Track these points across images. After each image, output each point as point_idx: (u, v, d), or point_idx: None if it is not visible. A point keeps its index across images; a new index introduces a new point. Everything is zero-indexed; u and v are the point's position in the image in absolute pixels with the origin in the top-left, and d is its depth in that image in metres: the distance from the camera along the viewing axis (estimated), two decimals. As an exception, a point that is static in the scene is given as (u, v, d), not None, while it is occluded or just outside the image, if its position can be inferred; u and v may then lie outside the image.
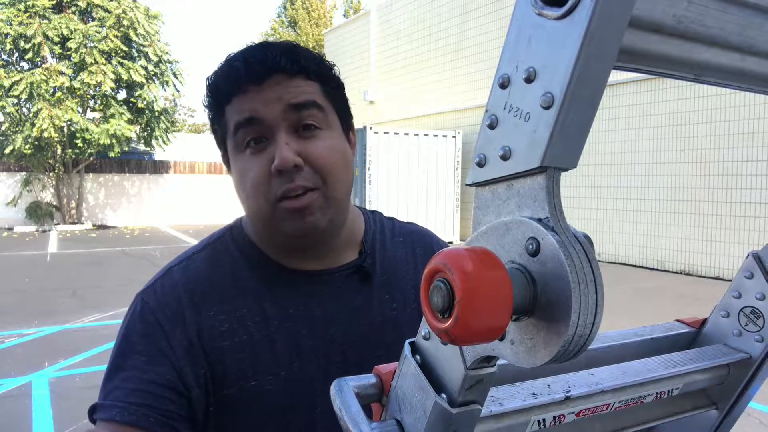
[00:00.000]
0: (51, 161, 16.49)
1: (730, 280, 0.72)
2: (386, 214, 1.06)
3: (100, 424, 0.80)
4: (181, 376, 0.81)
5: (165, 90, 17.06)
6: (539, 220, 0.36)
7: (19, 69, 15.34)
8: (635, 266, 10.35)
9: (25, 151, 15.10)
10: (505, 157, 0.38)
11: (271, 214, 0.83)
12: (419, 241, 1.03)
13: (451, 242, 13.20)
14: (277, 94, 0.82)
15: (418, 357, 0.46)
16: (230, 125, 0.85)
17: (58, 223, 16.87)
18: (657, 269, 10.07)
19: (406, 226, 1.06)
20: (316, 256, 0.91)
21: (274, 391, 0.84)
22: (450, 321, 0.34)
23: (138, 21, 15.68)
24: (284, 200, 0.82)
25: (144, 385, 0.80)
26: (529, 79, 0.36)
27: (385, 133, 12.61)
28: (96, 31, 15.26)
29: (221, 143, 0.90)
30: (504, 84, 0.38)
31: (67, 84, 15.02)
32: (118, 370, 0.82)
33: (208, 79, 0.88)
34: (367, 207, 0.98)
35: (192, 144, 19.84)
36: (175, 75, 17.15)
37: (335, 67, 0.91)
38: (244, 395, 0.83)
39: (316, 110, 0.85)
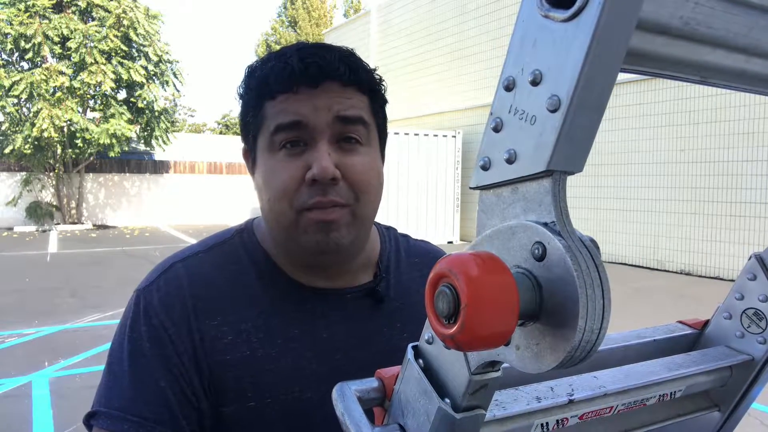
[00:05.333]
0: (51, 161, 16.48)
1: (731, 280, 0.72)
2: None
3: None
4: (191, 386, 0.77)
5: (165, 90, 17.05)
6: (545, 225, 0.36)
7: (19, 69, 15.33)
8: (635, 266, 10.35)
9: (25, 151, 15.09)
10: (510, 161, 0.37)
11: (294, 223, 0.80)
12: (433, 264, 0.99)
13: (451, 242, 13.22)
14: (328, 103, 0.79)
15: (421, 361, 0.46)
16: (269, 123, 0.80)
17: (58, 223, 16.86)
18: (657, 269, 10.07)
19: (422, 246, 1.02)
20: (331, 274, 0.87)
21: (272, 414, 0.80)
22: (456, 327, 0.34)
23: (138, 21, 15.66)
24: (311, 211, 0.78)
25: (157, 396, 0.76)
26: (534, 82, 0.35)
27: (385, 132, 12.58)
28: (96, 31, 15.25)
29: (251, 138, 0.85)
30: (509, 86, 0.37)
31: (67, 84, 15.00)
32: (123, 375, 0.77)
33: (251, 69, 0.84)
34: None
35: (192, 144, 19.83)
36: (175, 75, 17.13)
37: (384, 83, 0.88)
38: (242, 416, 0.79)
39: (362, 126, 0.82)
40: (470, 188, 0.42)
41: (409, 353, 0.47)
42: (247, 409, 0.79)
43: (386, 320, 0.89)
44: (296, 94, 0.79)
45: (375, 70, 0.87)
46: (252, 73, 0.84)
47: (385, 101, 0.88)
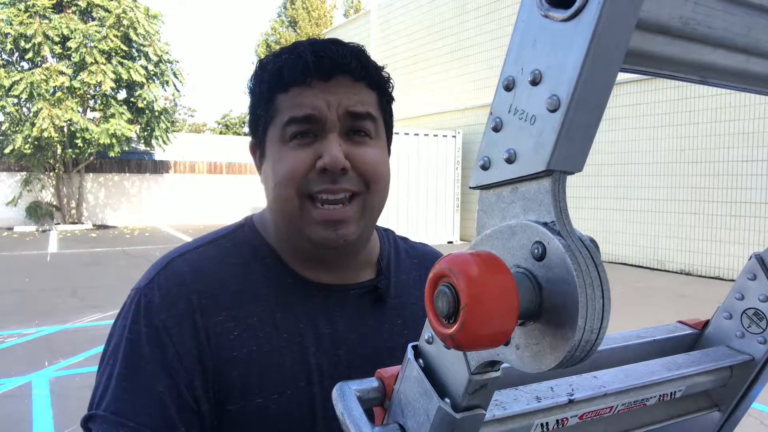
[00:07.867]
0: (51, 161, 16.48)
1: (731, 280, 0.72)
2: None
3: None
4: (191, 389, 0.76)
5: (165, 90, 17.06)
6: (545, 224, 0.36)
7: (19, 69, 15.32)
8: (635, 266, 10.35)
9: (25, 151, 15.09)
10: (510, 160, 0.37)
11: (299, 210, 0.81)
12: (432, 265, 1.01)
13: (451, 242, 13.22)
14: (339, 97, 0.81)
15: (421, 361, 0.46)
16: (282, 115, 0.82)
17: (58, 223, 16.86)
18: (657, 269, 10.06)
19: (419, 248, 1.04)
20: (334, 269, 0.88)
21: (278, 410, 0.80)
22: (455, 326, 0.34)
23: (138, 21, 15.66)
24: (320, 206, 0.80)
25: (155, 401, 0.75)
26: (534, 82, 0.35)
27: (385, 132, 12.56)
28: (96, 31, 15.25)
29: (261, 130, 0.86)
30: (509, 86, 0.37)
31: (67, 84, 15.00)
32: (119, 377, 0.76)
33: (263, 63, 0.86)
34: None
35: (192, 144, 19.83)
36: (175, 75, 17.13)
37: (392, 81, 0.90)
38: (248, 413, 0.79)
39: (371, 121, 0.84)
40: (470, 188, 0.42)
41: (409, 353, 0.47)
42: (253, 406, 0.79)
43: (387, 317, 0.90)
44: (309, 87, 0.80)
45: (384, 68, 0.89)
46: (264, 66, 0.85)
47: (392, 98, 0.90)
